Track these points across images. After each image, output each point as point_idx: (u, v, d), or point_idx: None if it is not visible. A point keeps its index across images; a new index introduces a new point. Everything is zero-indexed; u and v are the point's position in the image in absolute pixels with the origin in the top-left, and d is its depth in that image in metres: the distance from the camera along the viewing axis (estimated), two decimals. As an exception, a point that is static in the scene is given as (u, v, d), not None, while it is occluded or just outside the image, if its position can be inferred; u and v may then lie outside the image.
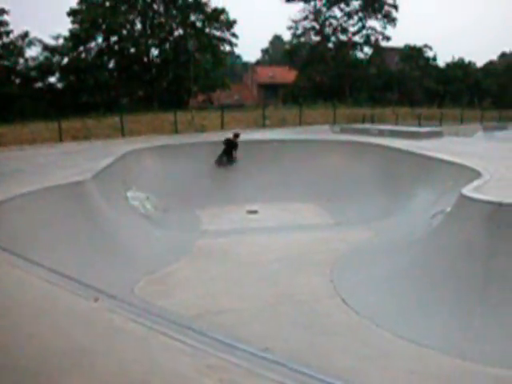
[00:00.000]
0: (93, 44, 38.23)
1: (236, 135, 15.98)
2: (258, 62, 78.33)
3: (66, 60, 37.28)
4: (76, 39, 36.62)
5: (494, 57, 66.09)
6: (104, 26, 36.98)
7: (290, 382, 2.54)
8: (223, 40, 42.24)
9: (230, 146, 15.63)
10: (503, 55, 65.26)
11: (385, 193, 12.99)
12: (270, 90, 57.39)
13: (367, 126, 23.22)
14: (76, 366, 2.65)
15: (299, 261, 8.96)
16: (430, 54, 55.80)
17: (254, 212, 13.59)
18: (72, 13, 36.48)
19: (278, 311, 6.80)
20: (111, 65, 40.08)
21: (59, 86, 37.81)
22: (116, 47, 39.13)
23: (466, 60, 57.72)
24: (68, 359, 2.75)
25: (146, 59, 40.05)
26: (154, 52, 40.69)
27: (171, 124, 21.32)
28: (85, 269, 6.79)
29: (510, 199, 6.87)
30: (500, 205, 6.67)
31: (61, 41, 37.31)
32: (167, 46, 40.53)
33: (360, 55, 54.12)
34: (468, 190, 7.61)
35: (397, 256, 8.27)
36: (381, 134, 18.55)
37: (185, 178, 14.58)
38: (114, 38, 38.74)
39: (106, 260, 7.95)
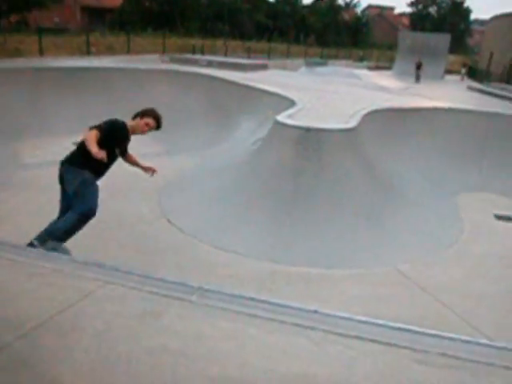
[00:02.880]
0: None
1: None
2: (81, -18, 71.50)
3: None
4: None
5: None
6: None
7: (117, 281, 2.80)
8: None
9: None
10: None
11: (212, 122, 13.47)
12: (96, 15, 53.13)
13: (197, 56, 23.33)
14: None
15: (127, 188, 9.04)
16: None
17: (81, 143, 13.08)
18: None
19: (106, 235, 6.93)
20: None
21: None
22: None
23: (294, -4, 60.30)
24: None
25: None
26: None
27: (-22, 46, 18.89)
28: None
29: (316, 125, 7.83)
30: (307, 130, 7.58)
31: None
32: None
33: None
34: (282, 117, 8.41)
35: (218, 179, 8.89)
36: (210, 65, 18.89)
37: (-2, 106, 13.23)
38: None
39: None
